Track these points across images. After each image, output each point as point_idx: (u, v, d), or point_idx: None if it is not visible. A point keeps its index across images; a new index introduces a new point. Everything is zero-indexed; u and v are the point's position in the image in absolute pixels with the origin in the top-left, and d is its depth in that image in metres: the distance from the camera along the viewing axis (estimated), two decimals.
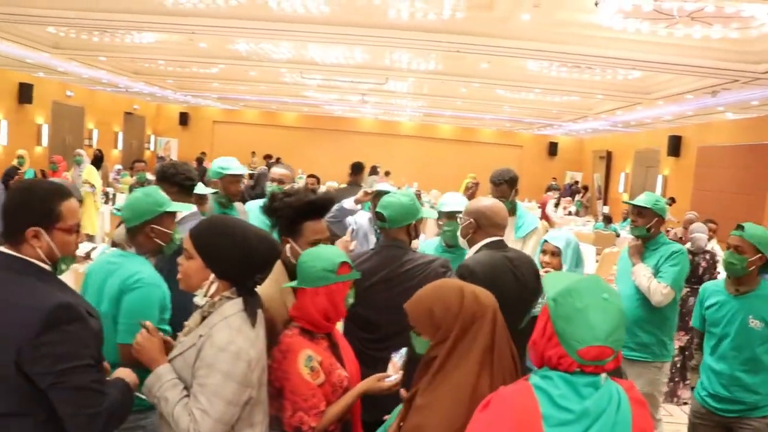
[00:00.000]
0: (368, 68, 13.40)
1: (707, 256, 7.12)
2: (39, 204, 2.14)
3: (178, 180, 3.85)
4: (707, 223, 8.59)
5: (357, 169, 11.83)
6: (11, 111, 17.04)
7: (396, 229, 3.35)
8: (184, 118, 26.91)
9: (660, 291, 4.20)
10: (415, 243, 3.66)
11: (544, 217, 13.97)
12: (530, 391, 1.84)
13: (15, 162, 10.69)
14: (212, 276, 2.29)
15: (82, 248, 5.66)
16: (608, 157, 22.60)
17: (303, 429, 2.39)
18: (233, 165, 4.74)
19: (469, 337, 2.12)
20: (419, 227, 3.46)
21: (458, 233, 3.61)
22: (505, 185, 4.88)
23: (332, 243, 3.05)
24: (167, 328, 2.82)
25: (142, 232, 2.97)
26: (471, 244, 3.51)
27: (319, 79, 15.69)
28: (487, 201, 3.59)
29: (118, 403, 2.16)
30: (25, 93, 17.37)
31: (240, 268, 2.30)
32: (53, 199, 2.15)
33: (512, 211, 4.93)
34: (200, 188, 4.28)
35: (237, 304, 2.30)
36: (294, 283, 2.59)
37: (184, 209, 3.23)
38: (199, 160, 19.33)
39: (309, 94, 19.12)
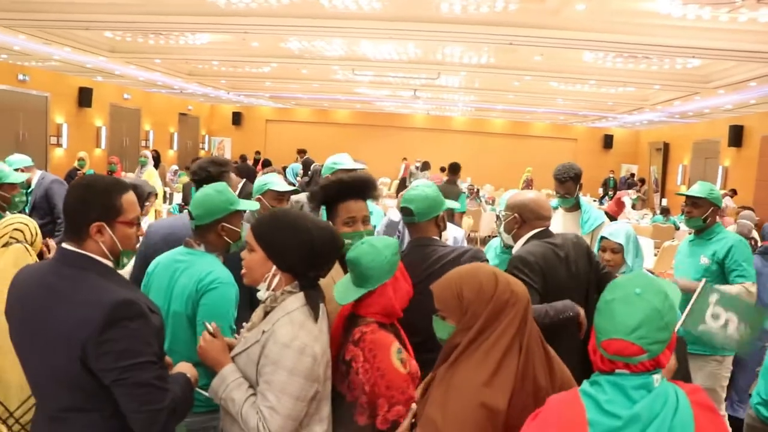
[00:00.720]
0: (420, 63, 13.33)
1: (752, 243, 6.97)
2: (100, 199, 2.14)
3: (214, 173, 3.76)
4: (743, 209, 8.29)
5: (455, 168, 11.75)
6: (71, 114, 17.55)
7: (425, 223, 3.15)
8: (237, 118, 27.27)
9: (748, 290, 4.10)
10: (444, 235, 3.49)
11: (615, 210, 13.61)
12: (577, 397, 1.79)
13: (76, 164, 10.96)
14: (274, 268, 2.29)
15: None
16: (665, 148, 22.09)
17: (401, 422, 2.27)
18: (345, 160, 4.59)
19: (496, 325, 2.03)
20: (446, 219, 3.31)
21: (501, 228, 3.55)
22: (571, 182, 4.83)
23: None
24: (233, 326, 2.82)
25: (213, 231, 2.94)
26: (516, 239, 3.44)
27: (370, 76, 15.68)
28: (529, 194, 3.52)
29: (179, 399, 2.16)
30: (84, 97, 17.88)
31: (301, 260, 2.28)
32: (113, 193, 2.15)
33: (576, 206, 4.84)
34: (280, 185, 4.12)
35: (299, 298, 2.28)
36: (357, 289, 2.49)
37: (252, 207, 3.19)
38: (243, 158, 19.42)
39: (361, 90, 19.15)
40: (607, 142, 25.59)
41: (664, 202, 17.85)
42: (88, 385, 2.04)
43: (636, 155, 25.38)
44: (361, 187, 2.95)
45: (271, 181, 4.11)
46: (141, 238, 2.92)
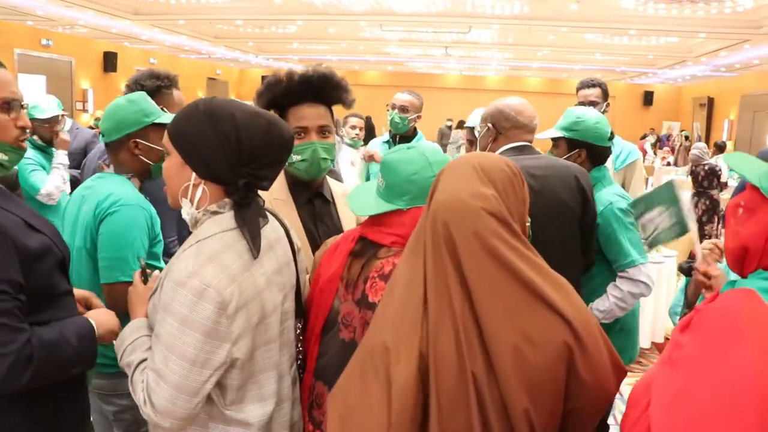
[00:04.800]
0: (450, 16, 12.77)
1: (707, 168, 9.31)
2: None
3: (149, 86, 3.21)
4: None
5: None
6: (97, 79, 17.46)
7: None
8: None
9: None
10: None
11: None
12: (757, 296, 1.30)
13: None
14: (193, 176, 1.64)
15: None
16: (709, 104, 21.20)
17: None
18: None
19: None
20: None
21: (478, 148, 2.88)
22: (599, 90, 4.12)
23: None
24: (160, 264, 2.36)
25: (125, 148, 2.40)
26: None
27: (400, 31, 15.17)
28: (507, 99, 2.78)
29: (48, 345, 1.61)
30: (109, 61, 17.84)
31: (223, 159, 1.61)
32: None
33: None
34: None
35: (223, 220, 1.63)
36: (384, 203, 1.83)
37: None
38: None
39: (391, 50, 18.70)
40: (648, 99, 24.68)
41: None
42: None
43: (678, 112, 24.48)
44: (318, 87, 2.21)
45: None
46: None
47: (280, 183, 2.29)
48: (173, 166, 1.67)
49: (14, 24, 14.62)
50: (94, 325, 1.77)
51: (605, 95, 4.08)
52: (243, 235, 1.61)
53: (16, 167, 1.94)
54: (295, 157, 2.18)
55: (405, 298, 1.45)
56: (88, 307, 1.94)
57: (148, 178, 2.49)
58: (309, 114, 2.20)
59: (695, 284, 2.22)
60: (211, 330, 1.52)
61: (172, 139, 1.66)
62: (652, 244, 2.65)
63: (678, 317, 2.69)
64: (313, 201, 2.32)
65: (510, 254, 1.41)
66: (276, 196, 2.25)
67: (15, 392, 1.58)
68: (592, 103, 3.87)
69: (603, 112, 3.84)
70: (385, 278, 1.75)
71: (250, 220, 1.63)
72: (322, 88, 2.22)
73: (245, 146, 1.60)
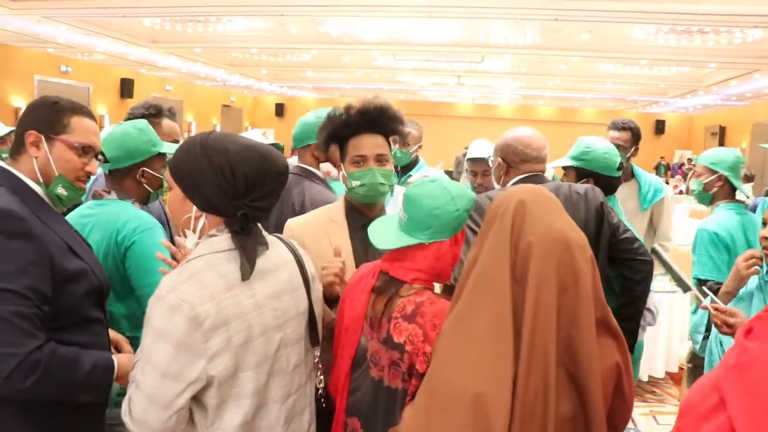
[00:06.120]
0: (463, 46, 12.92)
1: None
2: (45, 110, 1.92)
3: (136, 115, 3.19)
4: None
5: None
6: (114, 105, 17.72)
7: (302, 149, 3.16)
8: (280, 109, 27.20)
9: None
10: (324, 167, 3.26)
11: None
12: None
13: None
14: (194, 209, 1.71)
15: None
16: (721, 132, 21.24)
17: None
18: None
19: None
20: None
21: (492, 178, 2.94)
22: (629, 133, 3.96)
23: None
24: None
25: (131, 176, 2.49)
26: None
27: (413, 61, 15.32)
28: (517, 130, 2.80)
29: (63, 361, 1.72)
30: (126, 88, 18.14)
31: (217, 191, 1.66)
32: (63, 109, 1.92)
33: (630, 174, 4.04)
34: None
35: (215, 242, 1.68)
36: (406, 237, 1.86)
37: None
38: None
39: (404, 79, 18.83)
40: (659, 127, 24.75)
41: None
42: None
43: (690, 141, 24.52)
44: (375, 118, 2.29)
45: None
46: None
47: (338, 206, 2.41)
48: (176, 199, 1.74)
49: (35, 51, 14.92)
50: (116, 362, 1.87)
51: (635, 138, 3.95)
52: (240, 255, 1.64)
53: None
54: (354, 183, 2.28)
55: (492, 340, 1.48)
56: (118, 350, 2.06)
57: (145, 204, 2.58)
58: (367, 143, 2.30)
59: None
60: (183, 344, 1.55)
61: (173, 173, 1.73)
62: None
63: (701, 336, 2.75)
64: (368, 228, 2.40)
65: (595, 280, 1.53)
66: (332, 218, 2.36)
67: (17, 395, 1.68)
68: (618, 147, 3.80)
69: (630, 156, 3.86)
70: (407, 319, 1.77)
71: (248, 244, 1.67)
72: (379, 120, 2.31)
73: (240, 179, 1.65)
